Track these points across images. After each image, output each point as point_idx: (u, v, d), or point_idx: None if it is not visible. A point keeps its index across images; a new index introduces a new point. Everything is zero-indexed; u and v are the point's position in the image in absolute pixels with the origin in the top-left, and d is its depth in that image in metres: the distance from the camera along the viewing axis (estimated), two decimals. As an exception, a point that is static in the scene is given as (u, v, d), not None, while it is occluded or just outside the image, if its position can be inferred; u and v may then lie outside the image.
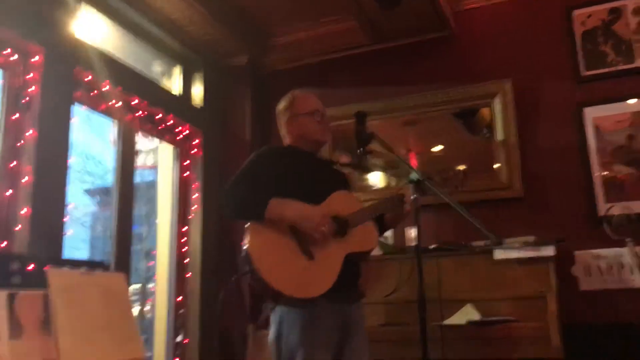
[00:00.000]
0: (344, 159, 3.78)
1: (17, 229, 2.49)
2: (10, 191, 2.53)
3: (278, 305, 2.24)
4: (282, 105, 2.52)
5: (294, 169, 2.35)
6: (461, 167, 3.58)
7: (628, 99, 3.39)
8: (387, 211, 2.43)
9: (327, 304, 2.18)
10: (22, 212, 2.53)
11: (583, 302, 3.20)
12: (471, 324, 2.81)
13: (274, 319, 2.26)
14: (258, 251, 2.11)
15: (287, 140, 2.50)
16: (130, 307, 1.99)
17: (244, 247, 2.13)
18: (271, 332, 2.26)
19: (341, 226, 2.26)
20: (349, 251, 2.23)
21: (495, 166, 3.59)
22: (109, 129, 3.48)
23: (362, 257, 2.37)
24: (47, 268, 1.87)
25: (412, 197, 2.31)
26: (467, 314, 2.91)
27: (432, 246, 3.19)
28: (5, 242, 2.39)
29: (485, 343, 2.78)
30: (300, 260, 2.14)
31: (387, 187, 3.82)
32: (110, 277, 1.99)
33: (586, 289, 3.24)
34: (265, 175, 2.27)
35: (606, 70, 3.49)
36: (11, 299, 1.75)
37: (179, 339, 3.54)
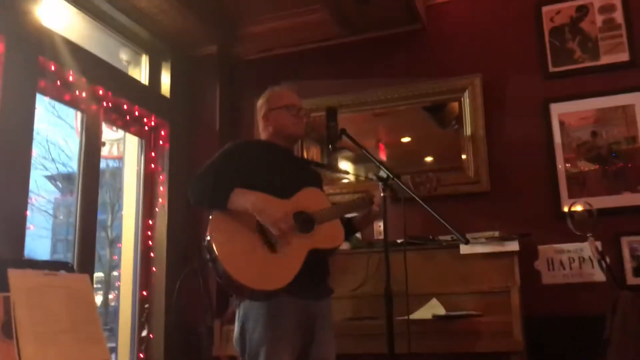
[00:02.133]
0: (315, 156, 3.77)
1: (-24, 225, 2.43)
2: (-30, 186, 2.47)
3: (242, 300, 2.25)
4: (259, 101, 2.55)
5: (266, 163, 2.36)
6: (432, 171, 3.60)
7: (593, 96, 3.45)
8: (355, 211, 2.45)
9: (292, 299, 2.19)
10: (-18, 208, 2.47)
11: (545, 295, 3.28)
12: (436, 318, 2.86)
13: (238, 316, 2.27)
14: (220, 239, 2.12)
15: (263, 135, 2.52)
16: (95, 309, 1.96)
17: (207, 236, 2.14)
18: (235, 329, 2.28)
19: (307, 222, 2.27)
20: (313, 247, 2.25)
21: (463, 157, 3.63)
22: (74, 116, 3.40)
23: (327, 254, 2.39)
24: (8, 270, 1.82)
25: (381, 198, 2.33)
26: (432, 308, 2.96)
27: (400, 240, 3.22)
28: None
29: (450, 336, 2.83)
30: (262, 252, 2.15)
31: (356, 180, 3.82)
32: (74, 278, 1.96)
33: (548, 283, 3.32)
34: (235, 166, 2.28)
35: (573, 67, 3.55)
36: (-29, 302, 1.71)
37: (143, 333, 3.51)
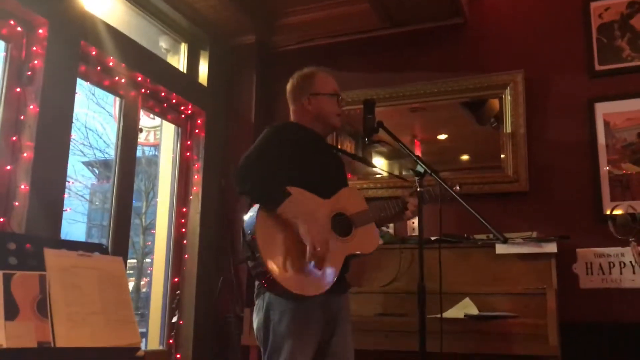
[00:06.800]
0: (349, 150, 3.71)
1: (15, 204, 2.47)
2: (10, 166, 2.50)
3: (268, 291, 2.21)
4: (297, 79, 2.43)
5: (308, 153, 2.30)
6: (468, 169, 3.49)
7: (641, 97, 3.33)
8: (388, 213, 2.39)
9: (318, 297, 2.16)
10: (21, 187, 2.50)
11: (582, 300, 3.18)
12: (469, 317, 2.80)
13: (260, 304, 2.22)
14: (265, 239, 2.07)
15: (296, 117, 2.41)
16: (127, 291, 1.96)
17: (250, 233, 2.08)
18: (258, 317, 2.22)
19: (346, 226, 2.24)
20: (350, 252, 2.22)
21: (501, 155, 3.54)
22: (112, 103, 3.43)
23: (361, 258, 2.34)
24: (44, 249, 1.84)
25: (416, 205, 2.29)
26: (465, 308, 2.90)
27: (434, 237, 3.16)
28: (2, 219, 2.37)
29: (483, 337, 2.77)
30: (303, 257, 2.09)
31: (391, 176, 3.76)
32: (108, 260, 1.97)
33: (586, 287, 3.22)
34: (282, 155, 2.20)
35: (621, 65, 3.42)
36: (7, 279, 1.73)
37: (174, 319, 3.53)
